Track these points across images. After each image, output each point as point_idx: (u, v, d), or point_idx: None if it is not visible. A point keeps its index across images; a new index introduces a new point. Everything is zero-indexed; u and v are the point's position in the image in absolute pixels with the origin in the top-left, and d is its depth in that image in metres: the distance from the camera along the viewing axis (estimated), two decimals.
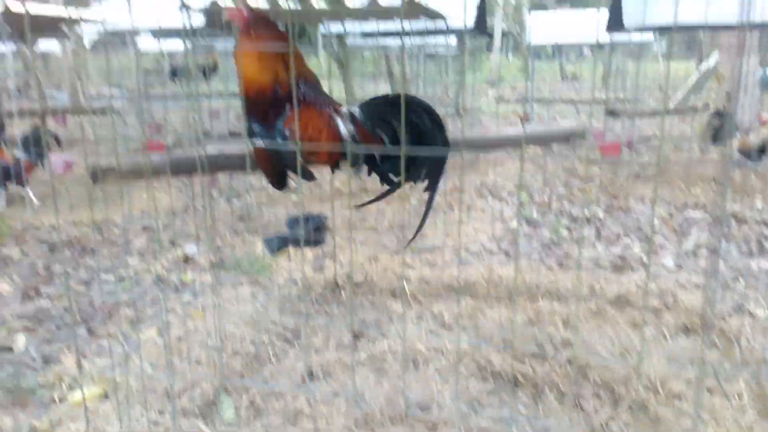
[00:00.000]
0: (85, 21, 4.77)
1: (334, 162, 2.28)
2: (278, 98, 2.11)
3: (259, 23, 2.09)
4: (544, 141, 2.55)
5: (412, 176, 2.32)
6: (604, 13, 7.33)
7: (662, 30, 5.99)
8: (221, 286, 3.22)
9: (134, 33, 7.10)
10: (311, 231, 2.99)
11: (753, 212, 4.53)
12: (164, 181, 5.77)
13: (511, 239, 4.09)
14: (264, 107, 2.07)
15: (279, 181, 2.17)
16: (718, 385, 2.13)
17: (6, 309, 3.00)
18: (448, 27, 5.43)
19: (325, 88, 2.41)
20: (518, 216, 4.55)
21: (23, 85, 11.31)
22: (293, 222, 3.02)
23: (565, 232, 4.20)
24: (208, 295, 3.15)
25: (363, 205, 2.37)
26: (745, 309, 2.85)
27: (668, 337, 2.58)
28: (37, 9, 4.73)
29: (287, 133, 2.09)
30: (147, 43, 9.37)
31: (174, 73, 9.19)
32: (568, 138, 2.54)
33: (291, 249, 3.13)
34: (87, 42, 10.57)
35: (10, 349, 2.60)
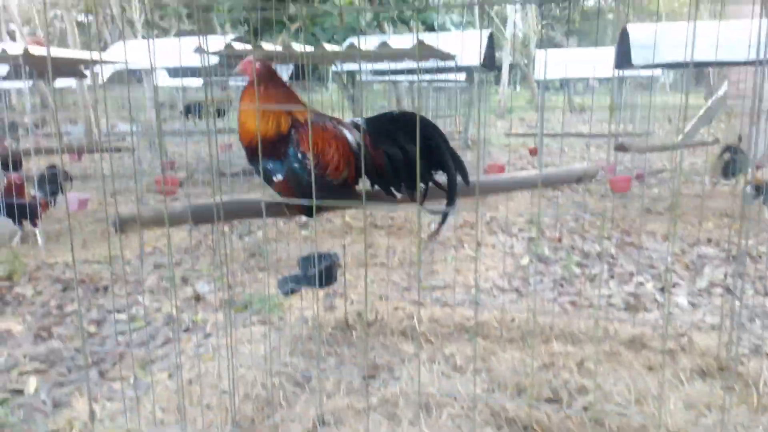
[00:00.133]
0: (104, 62, 4.89)
1: (353, 173, 2.28)
2: (282, 135, 2.16)
3: (268, 77, 2.15)
4: (557, 183, 2.55)
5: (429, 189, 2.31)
6: (611, 51, 7.43)
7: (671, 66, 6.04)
8: (233, 328, 3.21)
9: (150, 71, 7.26)
10: (324, 271, 2.99)
11: (767, 249, 4.49)
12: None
13: (522, 276, 4.07)
14: (273, 147, 2.10)
15: (309, 208, 2.19)
16: None
17: (18, 350, 3.01)
18: (457, 65, 5.51)
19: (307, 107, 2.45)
20: (530, 254, 4.53)
21: (40, 121, 11.55)
22: (306, 262, 3.02)
23: (577, 269, 4.17)
24: (220, 335, 3.15)
25: (434, 234, 2.33)
26: (762, 351, 2.80)
27: (685, 381, 2.53)
28: (57, 52, 4.86)
29: (300, 155, 2.12)
30: (161, 79, 9.58)
31: (188, 111, 9.36)
32: (581, 179, 2.54)
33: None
34: (102, 78, 10.82)
35: (21, 392, 2.60)
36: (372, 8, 8.47)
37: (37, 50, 4.42)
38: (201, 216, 1.96)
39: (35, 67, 5.36)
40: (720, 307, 3.39)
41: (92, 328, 3.29)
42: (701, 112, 9.77)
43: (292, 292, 2.81)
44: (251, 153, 2.12)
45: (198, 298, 3.69)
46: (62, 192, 5.08)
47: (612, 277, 3.99)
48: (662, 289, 3.72)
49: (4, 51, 4.46)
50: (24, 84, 8.06)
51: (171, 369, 2.78)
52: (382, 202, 2.42)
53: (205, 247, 4.93)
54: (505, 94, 22.21)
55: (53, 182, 4.84)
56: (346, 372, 2.71)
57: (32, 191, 4.77)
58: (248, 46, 3.43)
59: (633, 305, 3.46)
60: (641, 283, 3.85)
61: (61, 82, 11.07)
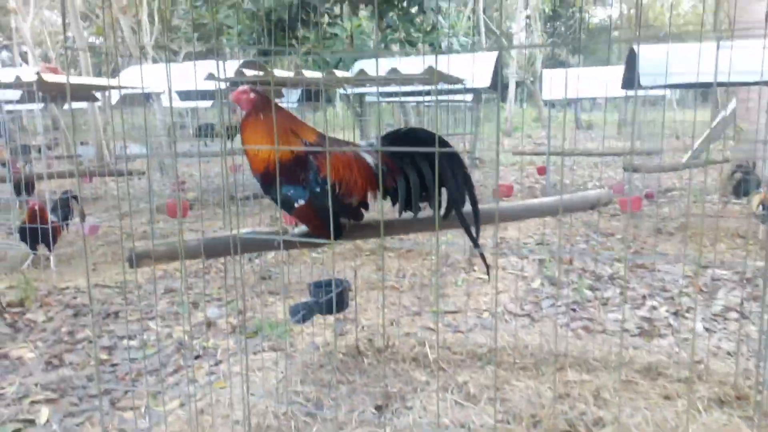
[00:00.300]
0: (116, 88, 4.96)
1: (375, 194, 2.27)
2: (300, 158, 2.14)
3: (264, 105, 2.12)
4: (570, 210, 2.55)
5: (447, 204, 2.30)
6: (617, 69, 7.44)
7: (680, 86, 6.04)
8: (244, 355, 3.20)
9: (159, 94, 7.35)
10: (335, 297, 2.98)
11: None
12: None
13: (534, 300, 4.05)
14: (291, 172, 2.09)
15: (335, 232, 2.17)
16: None
17: (29, 378, 3.01)
18: (465, 87, 5.53)
19: (341, 137, 2.44)
20: (541, 277, 4.50)
21: (52, 143, 11.67)
22: (317, 288, 3.02)
23: (588, 293, 4.14)
24: (231, 362, 3.14)
25: (485, 263, 2.29)
26: None
27: (703, 411, 2.49)
28: (71, 79, 4.93)
29: (321, 180, 2.11)
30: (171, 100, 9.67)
31: (200, 132, 9.46)
32: (595, 206, 2.53)
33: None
34: (112, 102, 10.94)
35: (33, 422, 2.59)
36: (380, 31, 8.56)
37: (51, 77, 4.48)
38: (215, 250, 1.95)
39: (48, 93, 5.43)
40: (736, 332, 3.35)
41: (103, 355, 3.29)
42: (708, 129, 9.75)
43: (304, 320, 2.80)
44: (266, 181, 2.11)
45: (209, 323, 3.68)
46: (73, 217, 5.13)
47: (624, 301, 3.96)
48: (676, 314, 3.68)
49: (18, 78, 4.53)
50: (36, 106, 8.18)
51: (182, 397, 2.77)
52: (405, 228, 2.41)
53: (216, 270, 4.94)
54: (512, 112, 22.26)
55: (66, 207, 4.89)
56: (358, 401, 2.68)
57: (51, 216, 4.82)
58: (259, 72, 3.46)
59: (647, 330, 3.42)
60: (654, 307, 3.81)
61: (73, 104, 11.19)
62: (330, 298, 2.94)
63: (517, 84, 25.42)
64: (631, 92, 7.09)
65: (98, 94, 7.70)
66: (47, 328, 3.65)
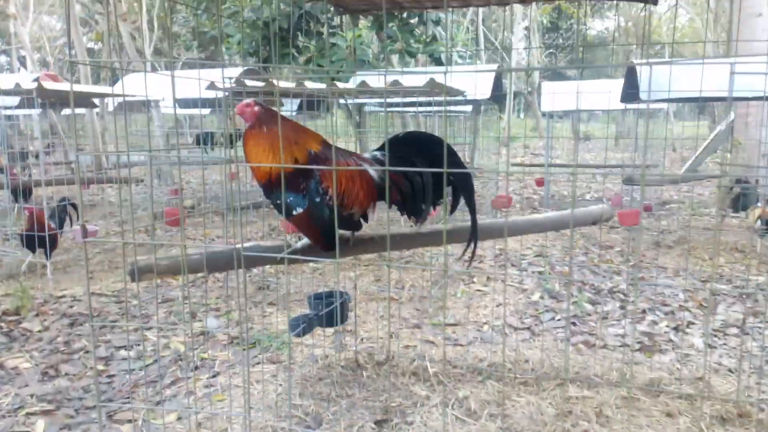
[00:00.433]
0: (117, 96, 4.95)
1: (374, 204, 2.27)
2: (300, 168, 2.14)
3: (268, 118, 2.13)
4: (572, 226, 2.55)
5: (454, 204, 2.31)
6: (615, 82, 7.48)
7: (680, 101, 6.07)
8: (243, 366, 3.17)
9: (159, 101, 7.34)
10: (335, 310, 2.96)
11: None
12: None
13: (534, 313, 4.03)
14: (293, 180, 2.09)
15: (328, 242, 2.16)
16: None
17: (25, 389, 2.97)
18: (465, 98, 5.54)
19: (340, 145, 2.44)
20: (541, 290, 4.49)
21: (51, 148, 11.63)
22: (317, 301, 3.00)
23: (588, 306, 4.12)
24: (228, 373, 3.11)
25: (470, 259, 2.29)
26: None
27: (705, 429, 2.48)
28: (68, 86, 4.91)
29: (322, 190, 2.10)
30: (168, 107, 9.67)
31: (199, 141, 9.46)
32: (596, 222, 2.53)
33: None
34: (110, 107, 10.92)
35: None
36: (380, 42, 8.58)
37: (51, 85, 4.47)
38: (218, 264, 1.94)
39: (47, 99, 5.42)
40: (736, 348, 3.34)
41: (100, 366, 3.25)
42: (706, 142, 9.79)
43: (304, 333, 2.78)
44: (268, 188, 2.11)
45: (206, 334, 3.65)
46: (71, 223, 5.10)
47: (624, 315, 3.95)
48: (676, 329, 3.67)
49: (17, 85, 4.51)
50: (34, 111, 8.15)
51: (181, 410, 2.73)
52: (410, 242, 2.40)
53: (213, 279, 4.91)
54: (509, 123, 22.34)
55: (63, 214, 4.87)
56: (357, 416, 2.66)
57: (51, 223, 4.80)
58: (259, 83, 3.45)
59: (648, 346, 3.41)
60: (654, 322, 3.80)
61: (69, 110, 11.19)
62: (330, 310, 2.92)
63: (515, 95, 25.53)
64: (629, 105, 7.12)
65: (96, 101, 7.69)
66: (43, 338, 3.61)
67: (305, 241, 2.20)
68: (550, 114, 8.85)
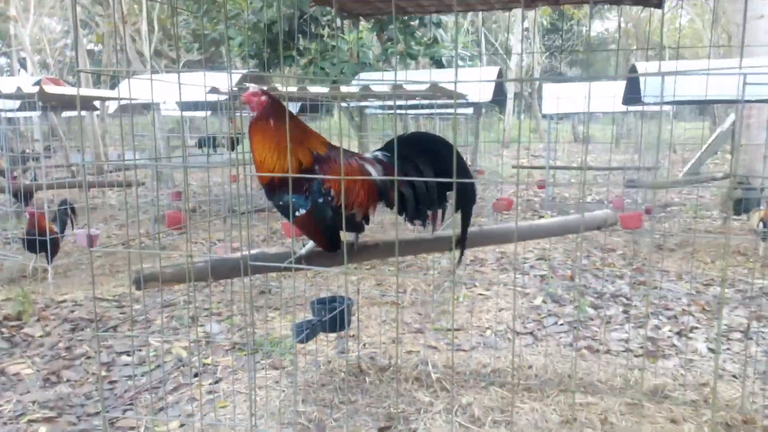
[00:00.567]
0: (119, 99, 4.94)
1: (375, 205, 2.26)
2: (304, 170, 2.12)
3: (276, 110, 2.10)
4: (576, 231, 2.53)
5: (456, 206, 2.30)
6: (616, 84, 7.46)
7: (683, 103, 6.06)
8: (245, 373, 3.16)
9: (160, 104, 7.33)
10: (338, 315, 2.95)
11: None
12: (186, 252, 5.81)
13: (536, 318, 4.02)
14: (296, 181, 2.07)
15: (331, 243, 2.15)
16: None
17: (26, 395, 2.96)
18: (467, 101, 5.54)
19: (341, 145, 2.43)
20: (543, 294, 4.48)
21: (51, 151, 11.62)
22: (320, 306, 2.99)
23: (591, 311, 4.11)
24: (231, 379, 3.10)
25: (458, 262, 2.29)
26: None
27: None
28: (71, 91, 4.92)
29: (325, 191, 2.09)
30: (169, 110, 9.66)
31: (201, 144, 9.46)
32: (601, 227, 2.52)
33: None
34: (112, 109, 10.91)
35: None
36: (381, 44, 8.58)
37: (53, 89, 4.46)
38: (223, 272, 1.93)
39: (48, 103, 5.41)
40: (740, 353, 3.33)
41: (97, 368, 3.23)
42: (707, 144, 9.79)
43: (308, 339, 2.77)
44: (271, 189, 2.09)
45: (208, 339, 3.64)
46: (72, 226, 5.10)
47: (627, 319, 3.93)
48: (680, 333, 3.66)
49: (19, 88, 4.50)
50: (34, 114, 8.14)
51: (182, 416, 2.72)
52: (415, 248, 2.39)
53: (215, 283, 4.90)
54: (510, 124, 22.33)
55: (64, 218, 4.86)
56: (360, 422, 2.65)
57: (53, 226, 4.79)
58: (263, 86, 3.43)
59: (651, 351, 3.40)
60: (658, 327, 3.79)
61: (70, 113, 11.20)
62: (333, 316, 2.91)
63: (515, 96, 25.50)
64: (631, 107, 7.12)
65: (97, 103, 7.68)
66: (45, 343, 3.60)
67: (309, 246, 2.19)
68: (550, 116, 8.85)
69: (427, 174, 2.19)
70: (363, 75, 7.14)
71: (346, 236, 2.16)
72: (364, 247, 2.27)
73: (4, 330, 3.77)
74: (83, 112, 10.71)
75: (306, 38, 8.12)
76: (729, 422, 2.58)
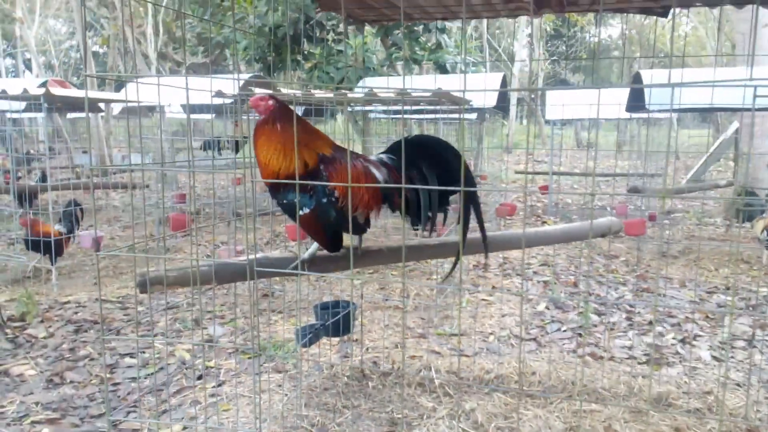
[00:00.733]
0: (125, 102, 4.97)
1: (378, 207, 2.26)
2: (310, 171, 2.13)
3: (283, 114, 2.11)
4: (580, 239, 2.54)
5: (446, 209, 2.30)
6: (619, 91, 7.47)
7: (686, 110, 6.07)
8: (248, 376, 3.17)
9: (165, 106, 7.35)
10: (341, 320, 2.95)
11: None
12: (190, 254, 5.82)
13: (539, 324, 4.02)
14: (305, 180, 2.08)
15: (334, 244, 2.16)
16: None
17: (30, 397, 2.96)
18: (472, 107, 5.54)
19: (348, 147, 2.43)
20: (546, 300, 4.47)
21: (53, 152, 11.66)
22: (323, 310, 2.99)
23: (594, 317, 4.11)
24: (233, 382, 3.10)
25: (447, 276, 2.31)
26: None
27: None
28: (77, 93, 4.94)
29: (329, 191, 2.10)
30: (173, 113, 9.69)
31: (207, 146, 9.51)
32: (605, 235, 2.53)
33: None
34: (116, 111, 10.96)
35: None
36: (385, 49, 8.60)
37: (59, 91, 4.48)
38: (228, 276, 1.93)
39: (54, 104, 5.43)
40: (744, 361, 3.32)
41: (104, 374, 3.24)
42: (710, 151, 9.79)
43: (311, 343, 2.77)
44: (275, 187, 2.10)
45: (211, 341, 3.65)
46: (79, 226, 5.12)
47: (631, 326, 3.93)
48: (683, 341, 3.65)
49: (25, 90, 4.52)
50: (39, 115, 8.16)
51: (185, 419, 2.73)
52: (419, 254, 2.39)
53: (219, 286, 4.90)
54: (513, 129, 22.36)
55: (71, 218, 4.88)
56: (363, 427, 2.65)
57: (56, 227, 4.80)
58: (267, 90, 3.45)
59: (655, 358, 3.39)
60: (661, 334, 3.78)
61: (74, 114, 11.25)
62: (336, 320, 2.91)
63: (518, 101, 25.54)
64: (635, 115, 7.12)
65: (101, 105, 7.71)
66: (48, 344, 3.61)
67: (312, 249, 2.19)
68: (553, 122, 8.85)
69: (431, 177, 2.20)
70: (367, 80, 7.16)
71: (349, 241, 2.17)
72: (368, 252, 2.28)
73: (7, 331, 3.78)
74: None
75: (311, 43, 8.14)
76: (733, 431, 2.57)
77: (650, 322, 3.99)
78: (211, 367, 3.32)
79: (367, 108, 5.95)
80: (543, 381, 2.99)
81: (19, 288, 4.65)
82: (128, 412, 2.82)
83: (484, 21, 21.55)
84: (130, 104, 6.84)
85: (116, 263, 5.52)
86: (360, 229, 2.25)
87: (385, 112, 6.59)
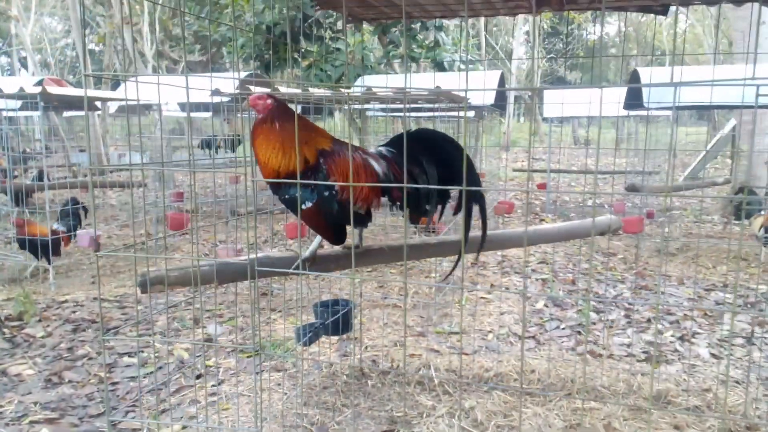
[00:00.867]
0: (116, 100, 4.95)
1: (379, 203, 2.26)
2: (310, 167, 2.13)
3: (281, 112, 2.11)
4: (580, 236, 2.54)
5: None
6: (615, 90, 7.47)
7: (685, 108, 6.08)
8: (248, 375, 3.16)
9: (161, 105, 7.34)
10: (340, 318, 2.95)
11: None
12: (187, 252, 5.80)
13: (538, 321, 4.02)
14: (301, 176, 2.08)
15: (337, 236, 2.15)
16: None
17: (28, 396, 2.95)
18: (470, 104, 5.54)
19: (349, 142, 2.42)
20: (545, 298, 4.48)
21: (48, 150, 11.62)
22: (322, 309, 2.98)
23: (593, 315, 4.11)
24: (233, 381, 3.09)
25: (451, 271, 2.31)
26: None
27: None
28: (74, 92, 4.92)
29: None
30: (170, 111, 9.67)
31: (205, 145, 9.50)
32: (604, 233, 2.53)
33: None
34: (112, 109, 10.92)
35: None
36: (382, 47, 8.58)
37: (55, 89, 4.46)
38: (228, 276, 1.93)
39: (50, 102, 5.41)
40: (742, 358, 3.33)
41: (103, 373, 3.23)
42: (707, 148, 9.80)
43: (310, 342, 2.77)
44: (276, 185, 2.10)
45: (210, 340, 3.64)
46: (81, 225, 5.11)
47: (629, 323, 3.93)
48: (682, 338, 3.66)
49: (21, 89, 4.50)
50: (35, 113, 8.13)
51: (185, 418, 2.72)
52: (419, 253, 2.39)
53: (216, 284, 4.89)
54: (510, 127, 22.37)
55: (74, 217, 4.87)
56: (363, 425, 2.64)
57: (54, 225, 4.78)
58: (265, 89, 3.44)
59: (653, 356, 3.40)
60: (660, 332, 3.79)
61: (71, 112, 11.20)
62: (336, 319, 2.90)
63: (515, 99, 25.54)
64: (632, 112, 7.13)
65: (98, 103, 7.68)
66: (46, 344, 3.59)
67: (313, 247, 2.19)
68: (551, 119, 8.85)
69: (431, 171, 2.19)
70: (365, 78, 7.15)
71: (351, 238, 2.16)
72: (369, 251, 2.27)
73: (5, 330, 3.77)
74: (84, 112, 10.72)
75: (308, 41, 8.13)
76: (732, 428, 2.58)
77: (649, 320, 4.00)
78: (211, 366, 3.31)
79: (365, 106, 5.94)
80: (542, 379, 2.99)
81: (17, 287, 4.64)
82: (127, 412, 2.81)
83: (482, 19, 21.54)
84: (126, 102, 6.81)
85: (114, 262, 5.51)
86: (362, 221, 2.25)
87: (383, 110, 6.58)
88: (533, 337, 3.75)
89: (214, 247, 5.67)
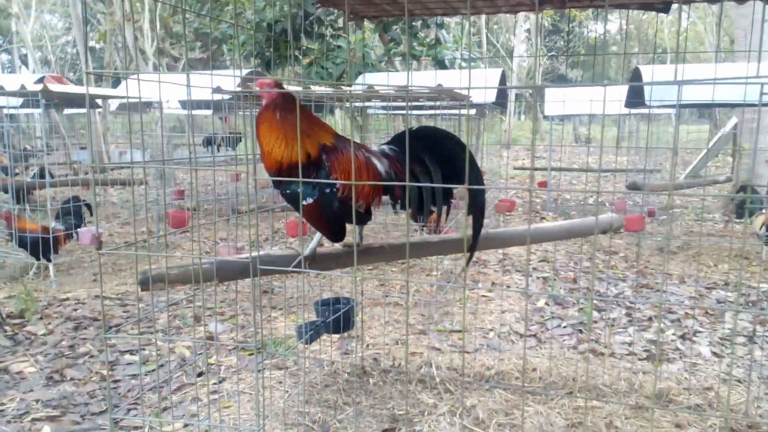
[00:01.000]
0: (117, 97, 4.94)
1: (380, 201, 2.26)
2: (311, 160, 2.12)
3: (287, 103, 2.10)
4: (582, 235, 2.53)
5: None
6: (617, 88, 7.46)
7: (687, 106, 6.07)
8: (249, 373, 3.16)
9: (162, 102, 7.33)
10: (341, 316, 2.94)
11: None
12: (188, 249, 5.80)
13: (540, 320, 4.02)
14: (303, 171, 2.07)
15: (336, 233, 2.15)
16: None
17: (30, 394, 2.95)
18: (471, 102, 5.53)
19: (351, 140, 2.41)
20: (546, 296, 4.48)
21: (49, 148, 11.62)
22: (323, 307, 2.98)
23: (594, 313, 4.11)
24: (234, 379, 3.10)
25: (468, 263, 2.30)
26: None
27: None
28: (75, 89, 4.91)
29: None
30: (171, 109, 9.66)
31: (208, 142, 9.50)
32: (606, 231, 2.53)
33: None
34: (113, 106, 10.92)
35: None
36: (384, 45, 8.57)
37: (56, 87, 4.46)
38: (230, 274, 1.93)
39: (51, 100, 5.41)
40: (744, 357, 3.32)
41: (105, 371, 3.23)
42: (708, 146, 9.79)
43: (311, 340, 2.77)
44: (278, 180, 2.09)
45: (211, 338, 3.64)
46: (83, 223, 5.11)
47: (631, 322, 3.93)
48: (683, 337, 3.66)
49: (22, 86, 4.50)
50: (36, 111, 8.12)
51: (186, 416, 2.72)
52: (420, 251, 2.38)
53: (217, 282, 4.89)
54: (511, 125, 22.35)
55: (76, 215, 4.86)
56: (364, 424, 2.64)
57: (53, 223, 4.78)
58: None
59: (655, 355, 3.40)
60: (661, 330, 3.79)
61: (72, 110, 11.20)
62: (337, 317, 2.90)
63: (516, 97, 25.52)
64: (634, 111, 7.11)
65: (99, 101, 7.67)
66: (48, 342, 3.60)
67: (313, 244, 2.19)
68: (551, 117, 8.84)
69: (434, 170, 2.18)
70: (366, 75, 7.14)
71: (351, 235, 2.16)
72: (371, 249, 2.27)
73: (6, 328, 3.77)
74: (85, 110, 10.71)
75: (309, 38, 8.12)
76: (734, 427, 2.58)
77: (650, 318, 3.99)
78: (212, 364, 3.31)
79: (366, 104, 5.94)
80: (544, 377, 2.99)
81: (18, 285, 4.64)
82: (129, 410, 2.81)
83: (483, 16, 21.51)
84: (127, 100, 6.81)
85: (115, 260, 5.51)
86: (363, 218, 2.25)
87: (384, 108, 6.58)
88: (535, 335, 3.75)
89: (215, 245, 5.67)
